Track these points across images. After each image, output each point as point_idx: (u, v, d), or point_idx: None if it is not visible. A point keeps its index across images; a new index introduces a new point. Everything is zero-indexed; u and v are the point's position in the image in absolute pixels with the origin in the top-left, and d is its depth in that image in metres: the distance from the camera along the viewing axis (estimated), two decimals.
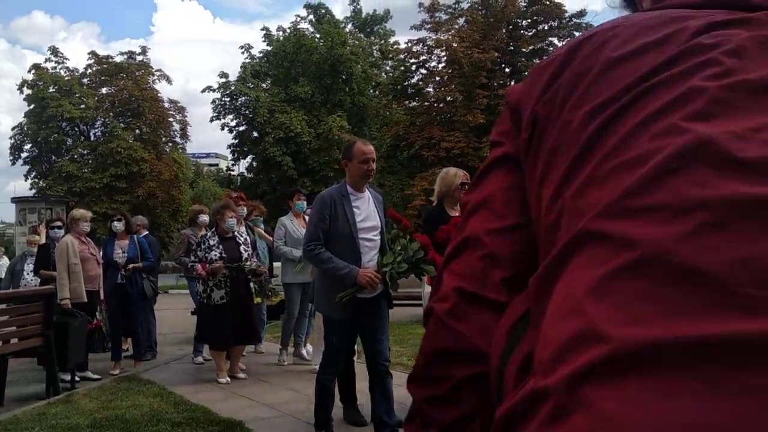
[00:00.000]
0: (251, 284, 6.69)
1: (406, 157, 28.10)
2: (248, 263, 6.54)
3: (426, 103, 30.11)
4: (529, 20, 30.23)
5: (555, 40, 30.01)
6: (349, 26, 34.14)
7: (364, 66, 30.62)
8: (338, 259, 3.95)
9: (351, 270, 3.94)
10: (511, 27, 30.34)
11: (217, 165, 51.21)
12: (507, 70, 30.81)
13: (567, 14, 29.51)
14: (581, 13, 29.68)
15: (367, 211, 4.12)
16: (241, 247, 6.61)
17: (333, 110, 29.17)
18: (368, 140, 5.47)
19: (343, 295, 3.96)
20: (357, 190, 4.14)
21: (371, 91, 31.77)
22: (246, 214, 7.76)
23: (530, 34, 30.42)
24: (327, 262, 3.97)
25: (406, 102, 30.74)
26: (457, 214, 4.71)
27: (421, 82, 30.52)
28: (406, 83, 30.68)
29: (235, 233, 6.74)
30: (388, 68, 33.52)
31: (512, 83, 29.99)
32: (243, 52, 31.54)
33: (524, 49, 30.11)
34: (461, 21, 30.19)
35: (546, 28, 30.14)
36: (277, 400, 5.57)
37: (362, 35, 33.88)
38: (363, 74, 30.24)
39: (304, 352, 7.42)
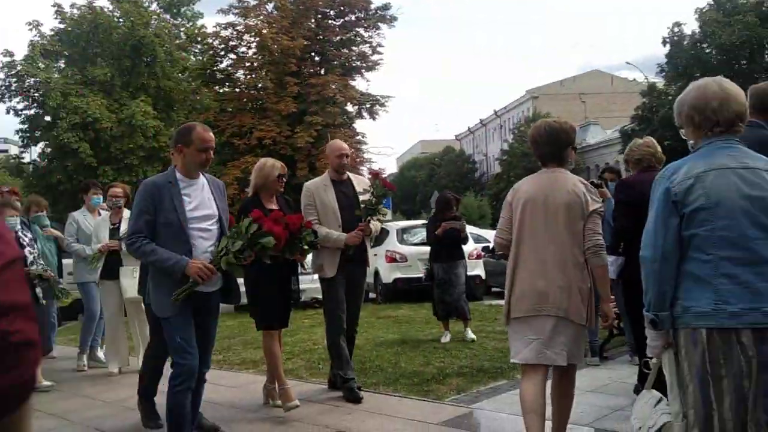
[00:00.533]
0: (36, 289, 6.31)
1: (217, 144, 27.44)
2: (33, 268, 6.16)
3: (237, 90, 29.59)
4: (336, 10, 30.76)
5: (362, 31, 30.89)
6: (154, 5, 32.44)
7: (170, 48, 29.31)
8: (163, 250, 3.56)
9: (178, 261, 3.54)
10: (319, 16, 30.68)
11: (6, 152, 46.37)
12: (317, 58, 31.15)
13: (372, 6, 30.47)
14: (386, 7, 30.79)
15: (200, 198, 3.76)
16: (26, 250, 6.21)
17: (136, 94, 27.59)
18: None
19: (179, 292, 3.54)
20: (188, 176, 3.74)
21: (179, 75, 30.51)
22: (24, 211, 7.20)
23: (338, 24, 31.00)
24: (150, 254, 3.58)
25: (216, 87, 29.99)
26: (274, 207, 4.78)
27: (230, 68, 29.91)
28: (215, 68, 29.91)
29: (19, 234, 6.31)
30: (196, 51, 32.38)
31: (322, 72, 30.47)
32: (31, 29, 28.80)
33: (333, 39, 30.63)
34: (270, 7, 29.99)
35: (353, 18, 30.88)
36: (67, 408, 5.36)
37: (168, 16, 32.35)
38: (168, 57, 28.93)
39: (100, 354, 7.16)
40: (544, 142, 3.54)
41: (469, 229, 10.87)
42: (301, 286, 5.31)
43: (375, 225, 5.25)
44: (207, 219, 3.76)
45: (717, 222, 2.25)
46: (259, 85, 29.17)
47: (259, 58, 29.34)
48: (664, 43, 30.29)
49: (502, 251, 3.64)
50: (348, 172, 5.46)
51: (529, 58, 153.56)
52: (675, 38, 29.94)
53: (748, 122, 3.93)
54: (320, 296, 5.64)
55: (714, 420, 2.19)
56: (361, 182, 5.44)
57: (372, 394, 5.22)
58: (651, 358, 2.50)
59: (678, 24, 30.17)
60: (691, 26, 30.07)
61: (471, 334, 7.53)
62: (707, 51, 28.78)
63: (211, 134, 3.87)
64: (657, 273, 2.31)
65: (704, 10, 29.34)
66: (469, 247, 10.74)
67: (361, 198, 5.20)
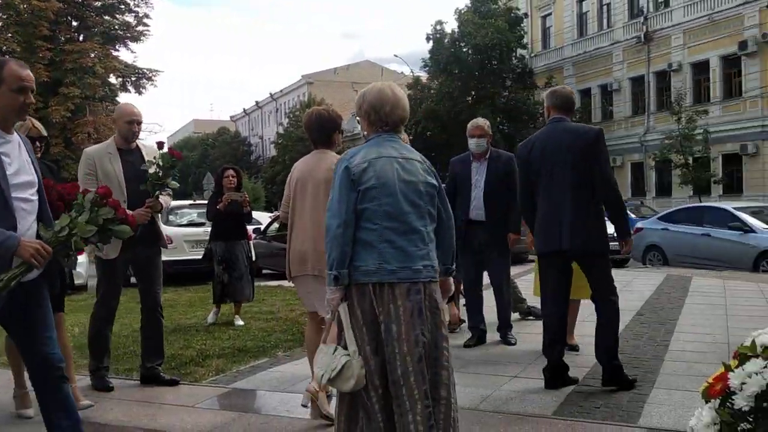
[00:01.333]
0: None
1: None
2: None
3: None
4: None
5: None
6: None
7: None
8: None
9: (8, 239, 2.74)
10: None
11: None
12: (74, 23, 28.45)
13: None
14: None
15: (19, 161, 2.93)
16: None
17: None
18: None
19: (7, 280, 2.78)
20: (3, 130, 2.91)
21: None
22: None
23: None
24: None
25: None
26: None
27: None
28: None
29: None
30: None
31: (81, 39, 27.90)
32: None
33: (94, 3, 28.20)
34: None
35: None
36: None
37: None
38: None
39: None
40: (314, 128, 4.09)
41: None
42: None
43: (165, 200, 4.74)
44: (29, 187, 2.95)
45: (383, 199, 2.76)
46: (4, 48, 25.91)
47: (4, 17, 26.06)
48: (428, 39, 32.37)
49: (286, 222, 4.17)
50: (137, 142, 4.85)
51: (305, 44, 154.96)
52: (437, 36, 32.08)
53: (552, 118, 4.53)
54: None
55: (366, 352, 2.73)
56: (151, 153, 4.78)
57: (124, 381, 4.92)
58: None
59: (440, 22, 32.36)
60: (451, 25, 32.46)
61: (240, 321, 7.35)
62: (464, 50, 31.24)
63: (29, 71, 2.98)
64: (340, 237, 2.74)
65: (462, 11, 31.79)
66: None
67: (147, 171, 4.59)
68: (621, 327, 5.41)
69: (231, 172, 7.73)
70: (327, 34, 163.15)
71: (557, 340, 4.42)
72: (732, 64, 26.43)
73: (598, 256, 4.36)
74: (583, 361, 5.09)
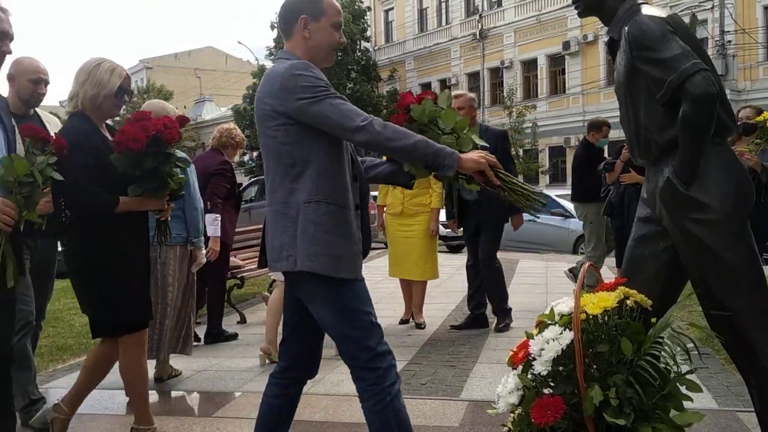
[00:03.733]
0: None
1: None
2: None
3: None
4: None
5: None
6: None
7: None
8: None
9: None
10: None
11: None
12: None
13: None
14: None
15: None
16: None
17: None
18: None
19: None
20: None
21: None
22: None
23: None
24: None
25: None
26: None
27: None
28: None
29: None
30: None
31: None
32: None
33: None
34: None
35: None
36: None
37: None
38: None
39: None
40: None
41: None
42: None
43: None
44: None
45: None
46: None
47: None
48: (272, 27, 31.90)
49: None
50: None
51: (143, 26, 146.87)
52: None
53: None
54: None
55: None
56: (52, 121, 3.89)
57: None
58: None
59: None
60: None
61: None
62: None
63: None
64: None
65: None
66: None
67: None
68: (452, 308, 5.74)
69: None
70: (167, 17, 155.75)
71: None
72: (557, 63, 28.57)
73: None
74: (414, 340, 5.27)
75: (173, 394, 4.23)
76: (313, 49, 2.46)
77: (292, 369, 2.59)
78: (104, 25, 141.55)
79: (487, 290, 5.74)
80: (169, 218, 3.34)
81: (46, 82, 3.65)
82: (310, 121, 2.33)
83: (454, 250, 13.39)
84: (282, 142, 2.37)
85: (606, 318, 2.29)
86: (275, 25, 31.67)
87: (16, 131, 2.70)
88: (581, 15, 2.80)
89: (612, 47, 2.71)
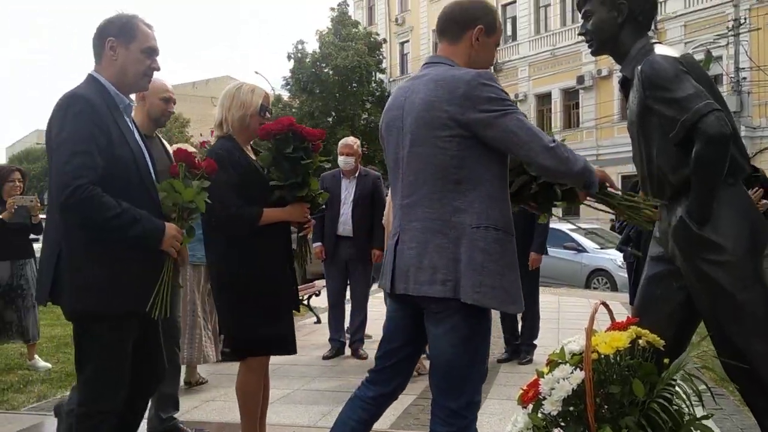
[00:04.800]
0: None
1: None
2: None
3: None
4: None
5: None
6: None
7: None
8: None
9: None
10: None
11: None
12: None
13: None
14: None
15: None
16: None
17: None
18: None
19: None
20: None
21: None
22: None
23: None
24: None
25: None
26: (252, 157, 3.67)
27: None
28: None
29: None
30: None
31: None
32: None
33: None
34: None
35: None
36: None
37: None
38: None
39: None
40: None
41: None
42: None
43: None
44: None
45: None
46: None
47: None
48: (289, 58, 32.31)
49: None
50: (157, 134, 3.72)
51: (162, 55, 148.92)
52: (298, 55, 32.12)
53: None
54: None
55: None
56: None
57: None
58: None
59: (301, 42, 32.45)
60: (313, 46, 32.66)
61: (42, 362, 5.81)
62: (326, 70, 31.51)
63: None
64: None
65: (323, 33, 32.11)
66: None
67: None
68: None
69: (17, 174, 5.78)
70: (186, 48, 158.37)
71: None
72: (571, 97, 28.66)
73: None
74: (422, 378, 5.21)
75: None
76: (474, 63, 2.36)
77: (390, 396, 2.47)
78: None
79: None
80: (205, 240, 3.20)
81: (174, 101, 3.69)
82: (492, 135, 2.15)
83: None
84: (452, 155, 2.18)
85: (618, 358, 2.26)
86: (291, 56, 32.18)
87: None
88: (594, 53, 2.82)
89: (625, 86, 2.72)
